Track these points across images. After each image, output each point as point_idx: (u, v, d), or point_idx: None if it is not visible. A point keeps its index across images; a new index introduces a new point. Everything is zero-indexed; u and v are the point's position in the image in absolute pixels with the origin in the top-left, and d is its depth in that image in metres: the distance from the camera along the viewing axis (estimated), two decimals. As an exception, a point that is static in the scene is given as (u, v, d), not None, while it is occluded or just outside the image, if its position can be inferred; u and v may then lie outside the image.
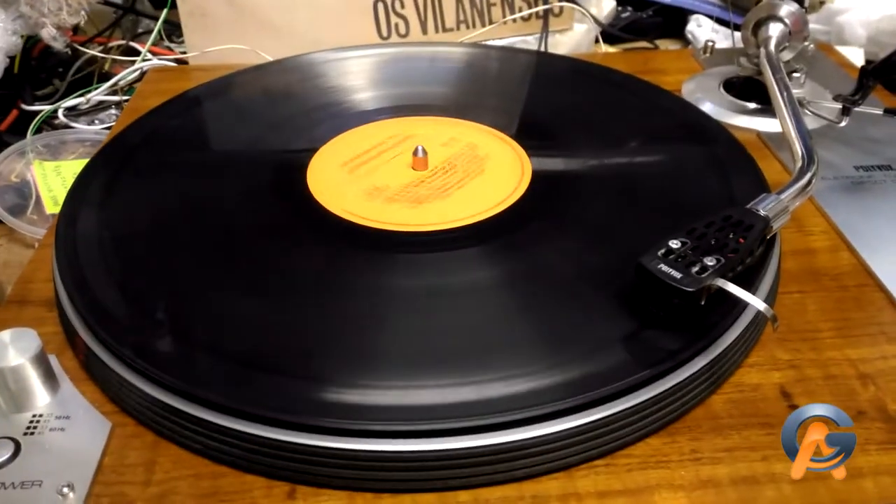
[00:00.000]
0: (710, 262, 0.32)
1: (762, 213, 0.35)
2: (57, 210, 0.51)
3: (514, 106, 0.55)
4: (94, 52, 0.73)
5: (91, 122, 0.68)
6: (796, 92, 0.50)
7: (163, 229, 0.41)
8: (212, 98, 0.54)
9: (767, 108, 0.53)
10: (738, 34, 0.69)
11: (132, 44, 0.75)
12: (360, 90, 0.57)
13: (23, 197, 0.57)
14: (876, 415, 0.33)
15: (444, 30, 0.74)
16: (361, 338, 0.34)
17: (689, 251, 0.32)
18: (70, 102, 0.68)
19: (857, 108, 0.50)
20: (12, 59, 0.66)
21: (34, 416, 0.32)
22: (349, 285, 0.37)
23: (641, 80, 0.56)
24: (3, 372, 0.31)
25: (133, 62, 0.71)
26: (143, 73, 0.70)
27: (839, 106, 0.51)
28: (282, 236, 0.40)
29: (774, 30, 0.55)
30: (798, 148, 0.42)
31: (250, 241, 0.40)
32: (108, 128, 0.66)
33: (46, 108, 0.67)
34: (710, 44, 0.63)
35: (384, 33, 0.72)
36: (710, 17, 0.82)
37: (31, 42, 0.70)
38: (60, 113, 0.67)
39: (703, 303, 0.31)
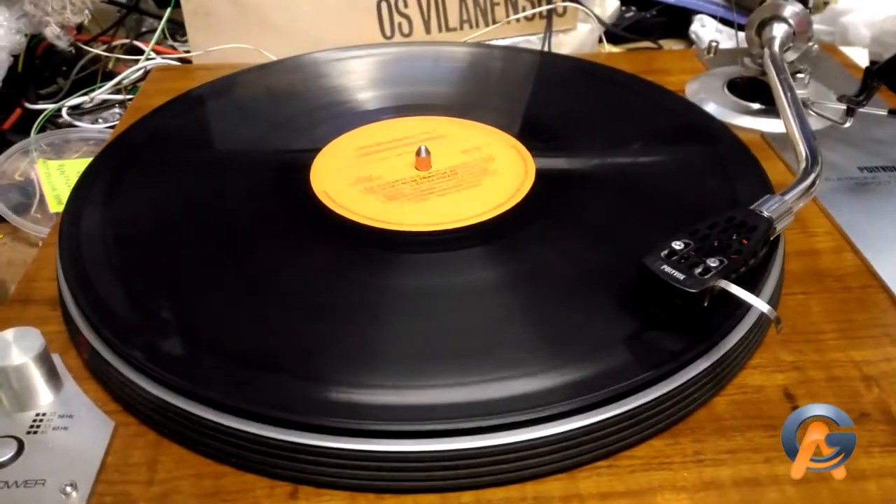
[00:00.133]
0: (713, 263, 0.32)
1: (766, 214, 0.35)
2: (60, 209, 0.51)
3: (517, 106, 0.55)
4: (97, 50, 0.73)
5: (95, 121, 0.68)
6: (800, 93, 0.50)
7: (166, 228, 0.41)
8: (215, 97, 0.55)
9: (771, 109, 0.53)
10: (741, 34, 0.69)
11: (136, 43, 0.75)
12: (363, 90, 0.57)
13: (26, 195, 0.57)
14: (879, 417, 0.33)
15: (448, 29, 0.74)
16: (364, 337, 0.34)
17: (692, 252, 0.32)
18: (74, 101, 0.69)
19: (861, 109, 0.50)
20: (16, 57, 0.66)
21: (37, 414, 0.32)
22: (353, 285, 0.37)
23: (645, 81, 0.56)
24: (7, 371, 0.31)
25: (137, 61, 0.71)
26: (146, 72, 0.70)
27: (843, 107, 0.51)
28: (284, 235, 0.40)
29: (778, 30, 0.55)
30: (802, 149, 0.42)
31: (253, 240, 0.40)
32: (112, 127, 0.66)
33: (50, 106, 0.67)
34: (713, 44, 0.63)
35: (387, 33, 0.72)
36: (714, 17, 0.82)
37: (35, 41, 0.70)
38: (64, 112, 0.67)
39: (706, 304, 0.31)
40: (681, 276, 0.31)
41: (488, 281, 0.38)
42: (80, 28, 0.72)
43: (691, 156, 0.47)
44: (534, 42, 0.76)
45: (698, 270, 0.31)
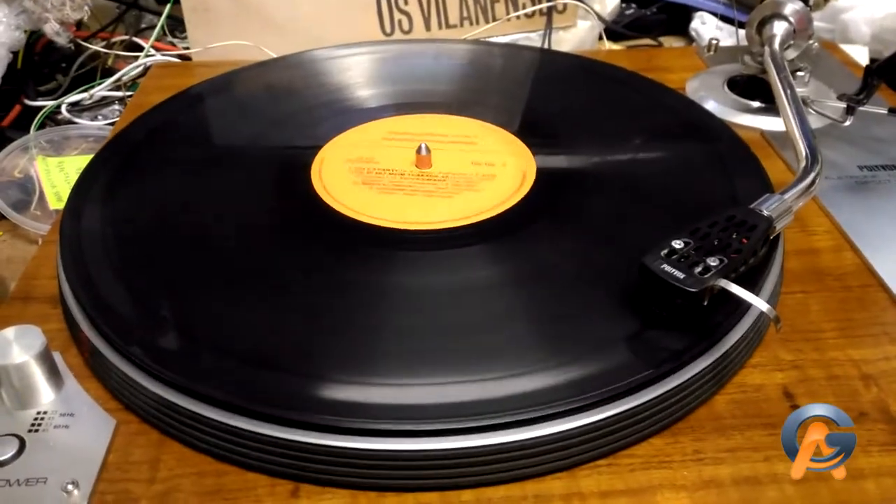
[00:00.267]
0: (713, 262, 0.32)
1: (765, 213, 0.35)
2: (60, 206, 0.51)
3: (517, 104, 0.55)
4: (97, 47, 0.73)
5: (94, 118, 0.68)
6: (800, 91, 0.50)
7: (166, 226, 0.41)
8: (215, 94, 0.54)
9: (771, 107, 0.53)
10: (742, 32, 0.69)
11: (135, 39, 0.75)
12: (363, 87, 0.57)
13: (26, 193, 0.57)
14: (878, 416, 0.33)
15: (448, 26, 0.74)
16: (365, 335, 0.34)
17: (692, 251, 0.32)
18: (73, 98, 0.69)
19: (861, 108, 0.50)
20: (15, 54, 0.66)
21: (38, 413, 0.32)
22: (353, 282, 0.37)
23: (645, 78, 0.56)
24: (8, 369, 0.31)
25: (136, 58, 0.71)
26: (146, 69, 0.70)
27: (843, 105, 0.50)
28: (285, 233, 0.41)
29: (779, 28, 0.55)
30: (802, 147, 0.42)
31: (253, 237, 0.40)
32: (112, 123, 0.66)
33: (49, 103, 0.67)
34: (714, 42, 0.63)
35: (388, 30, 0.72)
36: (715, 14, 0.81)
37: (35, 37, 0.70)
38: (64, 108, 0.67)
39: (705, 303, 0.31)
40: (681, 275, 0.31)
41: (489, 279, 0.38)
42: (79, 24, 0.71)
43: (691, 154, 0.47)
44: (534, 39, 0.76)
45: (698, 269, 0.31)
